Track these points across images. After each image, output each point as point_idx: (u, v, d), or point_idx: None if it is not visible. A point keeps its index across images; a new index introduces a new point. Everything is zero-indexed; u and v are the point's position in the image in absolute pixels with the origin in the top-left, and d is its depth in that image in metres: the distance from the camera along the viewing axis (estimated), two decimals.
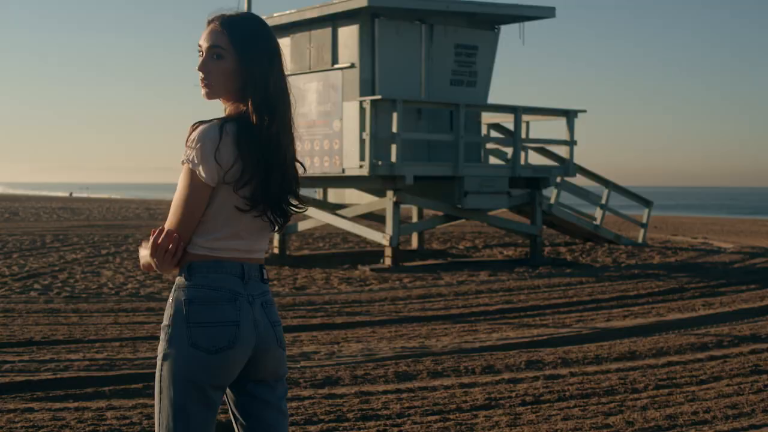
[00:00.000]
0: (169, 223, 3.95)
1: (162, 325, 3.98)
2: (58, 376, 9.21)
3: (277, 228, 4.04)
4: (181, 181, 3.92)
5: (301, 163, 4.14)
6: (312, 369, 9.78)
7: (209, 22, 4.05)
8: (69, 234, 28.03)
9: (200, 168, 3.86)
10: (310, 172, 20.64)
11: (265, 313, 4.00)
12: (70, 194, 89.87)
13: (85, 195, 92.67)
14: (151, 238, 3.93)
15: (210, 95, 4.02)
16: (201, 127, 3.90)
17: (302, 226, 22.94)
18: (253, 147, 3.87)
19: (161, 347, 3.93)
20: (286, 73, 4.10)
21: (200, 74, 4.01)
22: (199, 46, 4.03)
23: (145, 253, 3.99)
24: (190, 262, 3.93)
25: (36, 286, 16.35)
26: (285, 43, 21.47)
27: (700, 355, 10.94)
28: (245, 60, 3.95)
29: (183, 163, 3.90)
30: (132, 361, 10.05)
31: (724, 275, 19.29)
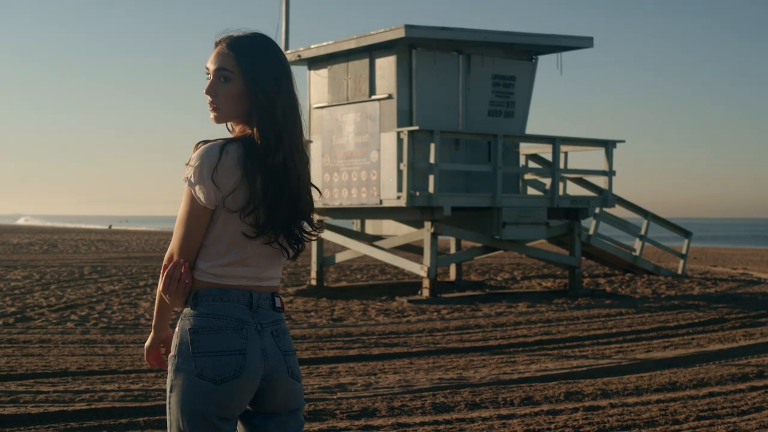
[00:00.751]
0: (171, 245, 3.87)
1: (169, 355, 3.88)
2: (93, 406, 9.15)
3: (290, 255, 3.94)
4: (182, 202, 3.84)
5: (316, 188, 4.05)
6: (348, 400, 9.68)
7: (216, 44, 3.98)
8: (107, 266, 28.10)
9: (197, 188, 3.77)
10: (347, 203, 20.61)
11: (276, 342, 3.89)
12: (110, 227, 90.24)
13: (124, 227, 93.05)
14: (163, 273, 3.86)
15: (219, 119, 3.95)
16: (203, 147, 3.81)
17: (340, 257, 22.90)
18: (258, 171, 3.78)
19: (168, 378, 3.84)
20: (296, 94, 3.98)
21: (208, 98, 3.94)
22: (207, 68, 3.97)
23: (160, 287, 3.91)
24: (196, 291, 3.84)
25: (73, 317, 16.34)
26: (322, 74, 21.49)
27: (741, 386, 10.78)
28: (252, 82, 3.87)
29: (184, 182, 3.83)
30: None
31: (764, 305, 19.07)
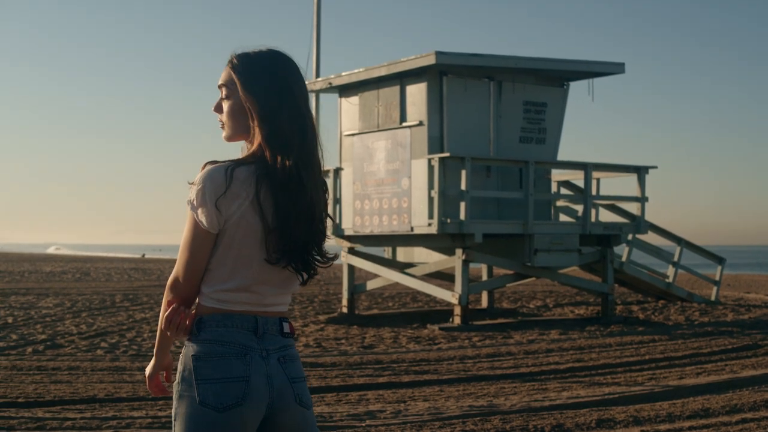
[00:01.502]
0: (175, 269, 3.78)
1: (174, 382, 3.79)
2: None
3: (302, 281, 3.84)
4: (186, 225, 3.76)
5: (331, 218, 3.94)
6: (377, 427, 9.60)
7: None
8: (139, 294, 28.13)
9: (199, 212, 3.68)
10: (379, 231, 20.56)
11: (283, 369, 3.76)
12: (143, 256, 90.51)
13: (157, 256, 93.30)
14: (164, 314, 3.78)
15: (226, 137, 3.89)
16: (208, 168, 3.72)
17: (371, 285, 22.83)
18: (269, 191, 3.70)
19: (173, 405, 3.74)
20: (307, 112, 3.89)
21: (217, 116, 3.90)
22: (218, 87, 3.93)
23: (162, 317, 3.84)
24: (200, 316, 3.75)
25: (103, 344, 16.33)
26: (353, 102, 21.48)
27: None
28: (251, 96, 3.78)
29: (186, 204, 3.74)
30: None
31: None
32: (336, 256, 3.92)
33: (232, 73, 3.84)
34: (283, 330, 3.82)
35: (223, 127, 3.88)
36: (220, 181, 3.66)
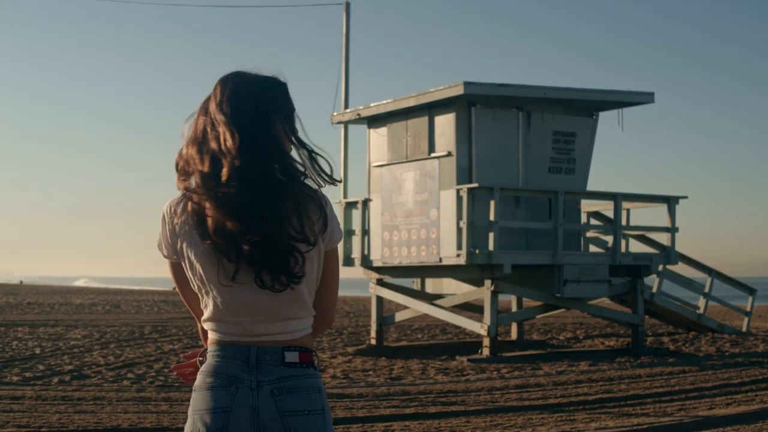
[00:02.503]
0: None
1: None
2: None
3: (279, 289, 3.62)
4: None
5: (303, 240, 3.65)
6: None
7: None
8: (168, 325, 28.11)
9: (159, 241, 3.75)
10: (407, 262, 20.48)
11: (275, 401, 3.59)
12: (174, 288, 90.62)
13: None
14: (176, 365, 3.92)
15: None
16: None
17: (399, 316, 22.73)
18: (212, 205, 3.58)
19: None
20: (222, 109, 3.71)
21: None
22: None
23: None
24: (205, 348, 3.75)
25: (129, 375, 16.29)
26: (382, 133, 21.44)
27: None
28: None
29: None
30: None
31: None
32: (299, 276, 3.73)
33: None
34: (285, 360, 3.65)
35: None
36: (167, 206, 3.73)
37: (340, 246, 22.34)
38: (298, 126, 3.76)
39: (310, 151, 3.75)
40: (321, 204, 3.68)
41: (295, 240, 3.59)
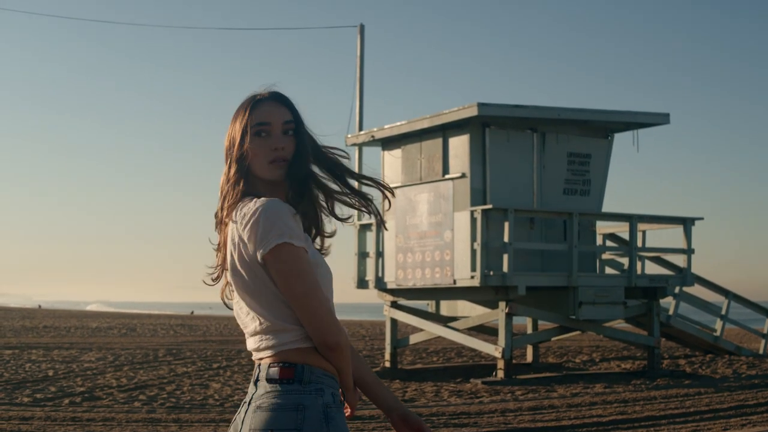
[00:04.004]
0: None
1: None
2: None
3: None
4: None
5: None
6: None
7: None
8: (182, 348, 28.04)
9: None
10: (421, 284, 20.39)
11: (250, 419, 3.58)
12: (191, 313, 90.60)
13: (206, 313, 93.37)
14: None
15: (286, 175, 3.78)
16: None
17: (414, 339, 22.62)
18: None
19: None
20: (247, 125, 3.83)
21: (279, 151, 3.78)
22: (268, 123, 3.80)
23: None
24: None
25: (141, 396, 16.21)
26: (396, 155, 21.37)
27: None
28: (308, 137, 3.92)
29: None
30: None
31: None
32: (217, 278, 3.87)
33: (290, 110, 3.82)
34: (268, 375, 3.61)
35: (282, 165, 3.76)
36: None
37: (353, 268, 22.28)
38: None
39: None
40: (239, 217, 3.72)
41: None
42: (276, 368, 3.60)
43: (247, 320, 3.71)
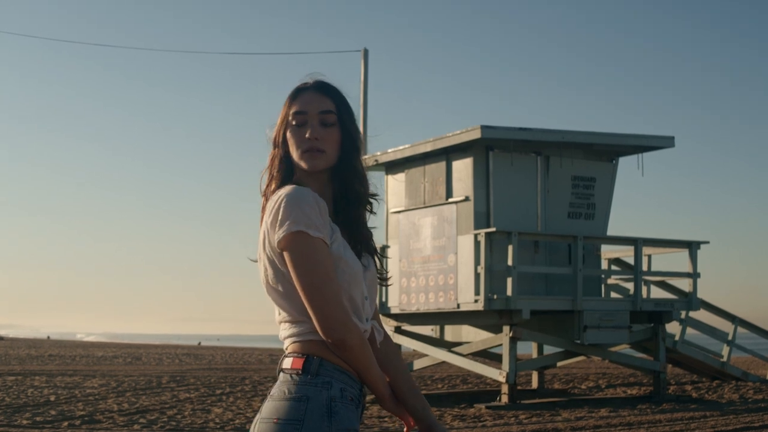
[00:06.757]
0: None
1: None
2: None
3: None
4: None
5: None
6: None
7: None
8: (186, 375, 27.91)
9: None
10: (425, 308, 20.27)
11: (263, 408, 3.60)
12: (199, 343, 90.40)
13: (213, 344, 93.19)
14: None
15: (323, 166, 3.69)
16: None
17: (418, 364, 22.49)
18: None
19: None
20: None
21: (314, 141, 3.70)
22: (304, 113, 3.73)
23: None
24: None
25: (141, 420, 16.09)
26: (399, 179, 21.28)
27: None
28: (356, 130, 3.81)
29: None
30: None
31: None
32: None
33: (334, 101, 3.73)
34: (281, 366, 3.63)
35: (316, 155, 3.67)
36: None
37: None
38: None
39: None
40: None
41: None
42: (289, 359, 3.59)
43: (275, 309, 3.70)
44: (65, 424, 15.26)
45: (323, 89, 3.74)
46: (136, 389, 22.57)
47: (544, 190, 20.36)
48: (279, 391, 3.54)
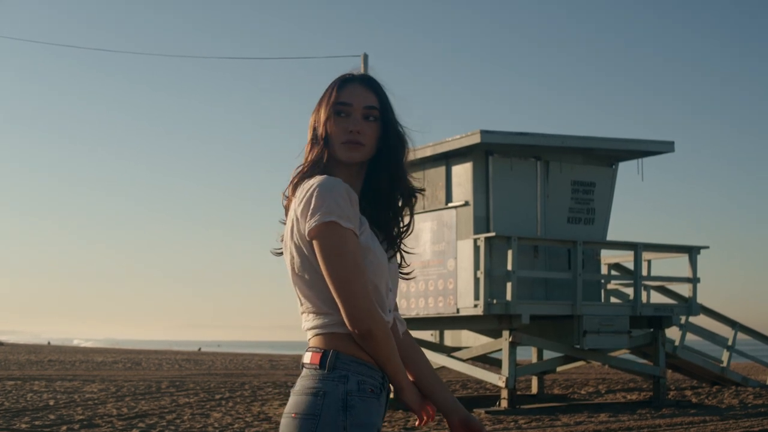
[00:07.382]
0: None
1: None
2: None
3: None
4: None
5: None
6: None
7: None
8: (186, 381, 27.89)
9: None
10: (424, 313, 20.25)
11: (288, 403, 3.67)
12: (199, 349, 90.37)
13: (214, 350, 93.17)
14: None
15: (361, 158, 3.71)
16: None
17: None
18: None
19: None
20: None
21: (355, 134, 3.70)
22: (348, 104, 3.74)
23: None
24: None
25: (140, 424, 16.08)
26: None
27: None
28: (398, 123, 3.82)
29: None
30: None
31: None
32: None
33: (378, 96, 3.75)
34: (303, 359, 3.67)
35: (356, 147, 3.68)
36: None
37: None
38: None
39: None
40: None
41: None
42: (309, 353, 3.63)
43: (298, 300, 3.70)
44: (64, 428, 15.24)
45: (369, 83, 3.77)
46: (136, 394, 22.55)
47: (543, 194, 20.35)
48: (299, 385, 3.59)
